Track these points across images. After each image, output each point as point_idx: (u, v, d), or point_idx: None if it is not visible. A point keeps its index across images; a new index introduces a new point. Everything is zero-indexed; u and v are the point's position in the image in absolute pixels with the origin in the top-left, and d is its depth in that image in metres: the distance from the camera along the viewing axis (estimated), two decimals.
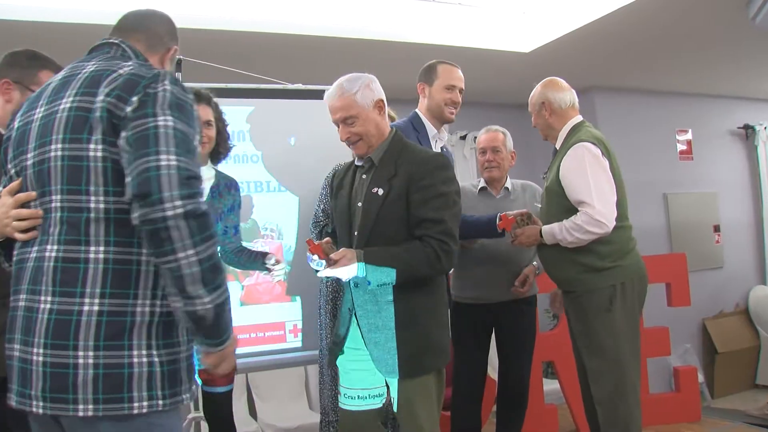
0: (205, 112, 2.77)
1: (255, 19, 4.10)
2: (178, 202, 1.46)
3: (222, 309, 1.55)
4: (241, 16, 4.07)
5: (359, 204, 2.47)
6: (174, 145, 1.51)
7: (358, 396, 2.54)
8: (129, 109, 1.53)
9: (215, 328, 1.56)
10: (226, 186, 2.92)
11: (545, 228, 3.03)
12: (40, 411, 1.51)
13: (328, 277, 2.53)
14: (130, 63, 1.65)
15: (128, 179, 1.49)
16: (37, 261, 1.59)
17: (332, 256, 2.30)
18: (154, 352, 1.55)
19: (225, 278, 1.57)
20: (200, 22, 3.89)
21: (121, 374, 1.50)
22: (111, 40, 1.78)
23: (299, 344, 3.74)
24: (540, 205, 3.34)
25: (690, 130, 7.13)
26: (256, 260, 2.95)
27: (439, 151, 3.05)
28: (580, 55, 5.33)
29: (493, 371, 3.92)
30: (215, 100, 2.91)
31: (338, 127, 2.48)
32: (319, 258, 2.36)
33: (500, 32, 4.97)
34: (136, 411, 1.50)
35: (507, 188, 3.74)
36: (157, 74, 1.59)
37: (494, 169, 3.68)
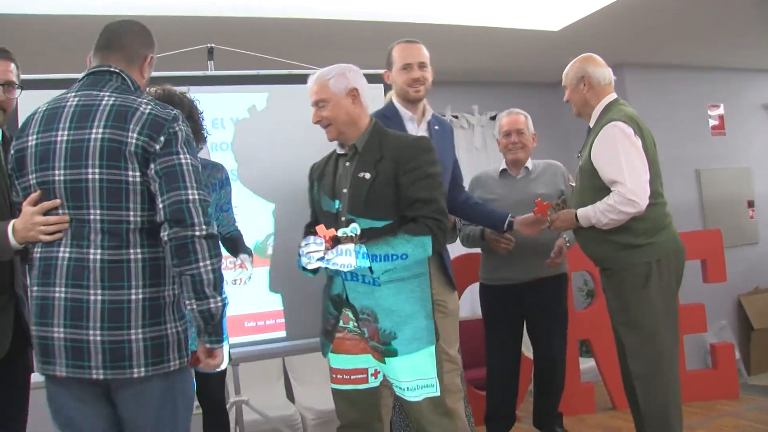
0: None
1: (286, 4, 4.12)
2: (203, 227, 1.93)
3: (224, 310, 1.98)
4: (270, 3, 4.10)
5: (344, 190, 2.51)
6: (194, 180, 1.97)
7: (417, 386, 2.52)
8: (158, 147, 1.94)
9: (219, 326, 1.98)
10: (214, 171, 3.02)
11: (580, 212, 3.03)
12: (101, 377, 1.91)
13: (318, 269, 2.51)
14: (143, 99, 2.02)
15: (161, 205, 1.92)
16: (76, 261, 1.94)
17: (340, 247, 2.35)
18: (178, 324, 2.02)
19: (223, 288, 1.98)
20: (233, 10, 3.92)
21: (161, 343, 1.96)
22: (111, 69, 2.09)
23: None
24: (573, 184, 3.32)
25: (722, 105, 7.05)
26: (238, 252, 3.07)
27: (423, 130, 3.04)
28: (610, 32, 5.29)
29: (528, 350, 3.95)
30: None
31: (315, 108, 2.57)
32: (326, 246, 2.37)
33: (529, 11, 4.95)
34: (172, 368, 1.97)
35: (527, 168, 3.76)
36: (176, 116, 2.01)
37: (519, 151, 3.69)
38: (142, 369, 1.92)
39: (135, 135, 1.93)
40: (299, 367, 5.04)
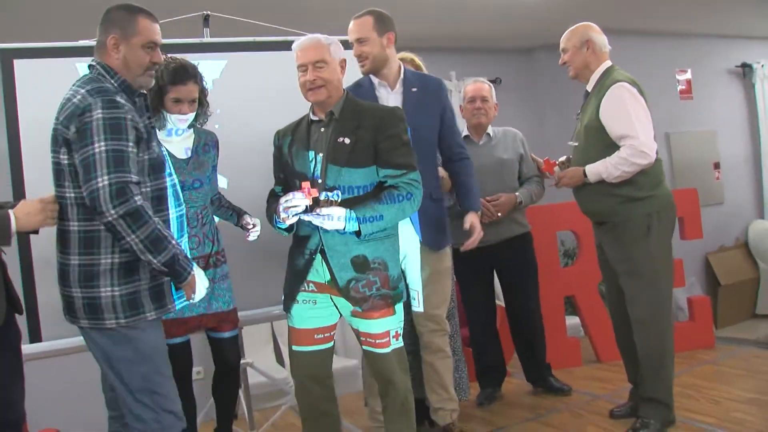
0: (191, 91, 2.88)
1: None
2: (112, 211, 2.13)
3: (172, 261, 2.24)
4: None
5: (321, 155, 2.62)
6: (107, 166, 2.14)
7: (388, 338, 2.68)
8: (72, 135, 2.19)
9: (173, 274, 2.28)
10: (208, 140, 3.06)
11: (589, 167, 3.17)
12: (69, 322, 2.32)
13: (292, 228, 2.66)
14: (84, 89, 2.23)
15: (84, 194, 2.17)
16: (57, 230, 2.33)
17: (326, 211, 2.48)
18: (116, 288, 2.26)
19: (168, 242, 2.22)
20: None
21: (94, 304, 2.25)
22: (91, 63, 2.36)
23: None
24: (574, 143, 3.42)
25: (689, 70, 7.25)
26: (231, 215, 3.15)
27: (398, 93, 3.14)
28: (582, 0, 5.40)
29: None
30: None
31: (303, 72, 2.64)
32: (309, 207, 2.51)
33: None
34: (108, 326, 2.25)
35: (488, 134, 3.99)
36: (88, 106, 2.17)
37: (482, 116, 3.93)
38: (84, 321, 2.27)
39: (58, 123, 2.23)
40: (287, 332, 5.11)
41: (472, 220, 3.20)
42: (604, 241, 3.31)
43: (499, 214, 3.78)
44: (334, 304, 2.71)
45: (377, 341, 2.64)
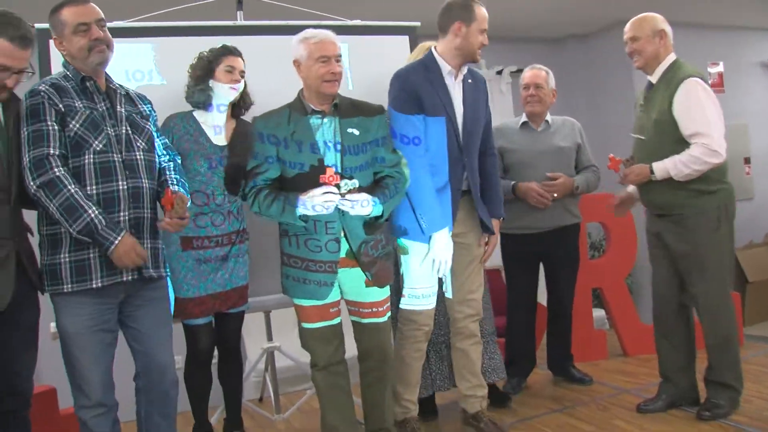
0: (240, 63, 3.06)
1: None
2: (32, 183, 2.36)
3: (90, 230, 2.36)
4: None
5: (332, 144, 2.78)
6: (27, 146, 2.39)
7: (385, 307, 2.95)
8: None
9: (96, 243, 2.39)
10: (246, 131, 3.07)
11: (657, 165, 3.18)
12: None
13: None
14: (40, 82, 2.53)
15: None
16: None
17: (356, 196, 2.71)
18: (47, 259, 2.47)
19: (84, 210, 2.35)
20: None
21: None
22: None
23: None
24: (641, 136, 3.40)
25: (721, 63, 7.13)
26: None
27: (458, 83, 3.10)
28: None
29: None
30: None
31: (325, 62, 2.75)
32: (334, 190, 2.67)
33: None
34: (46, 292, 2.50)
35: (547, 122, 3.96)
36: (25, 96, 2.46)
37: (536, 104, 3.89)
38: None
39: None
40: None
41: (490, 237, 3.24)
42: (668, 233, 3.32)
43: (555, 195, 3.76)
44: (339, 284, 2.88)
45: (379, 309, 2.90)
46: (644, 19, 3.28)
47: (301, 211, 2.68)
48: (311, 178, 2.71)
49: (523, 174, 3.78)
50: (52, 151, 2.37)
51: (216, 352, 3.18)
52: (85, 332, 2.44)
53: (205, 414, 3.17)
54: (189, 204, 2.66)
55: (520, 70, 6.18)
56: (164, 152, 2.79)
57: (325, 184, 2.67)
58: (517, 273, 3.89)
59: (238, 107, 3.10)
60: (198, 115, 3.04)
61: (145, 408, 2.66)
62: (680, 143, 3.14)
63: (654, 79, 3.28)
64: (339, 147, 2.77)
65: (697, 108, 3.10)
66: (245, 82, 3.09)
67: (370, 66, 3.64)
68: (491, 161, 3.30)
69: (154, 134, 2.72)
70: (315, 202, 2.65)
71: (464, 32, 3.02)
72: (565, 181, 3.79)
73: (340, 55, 2.80)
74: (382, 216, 2.80)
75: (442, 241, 2.99)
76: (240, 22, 3.62)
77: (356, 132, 2.80)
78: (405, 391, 3.20)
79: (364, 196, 2.73)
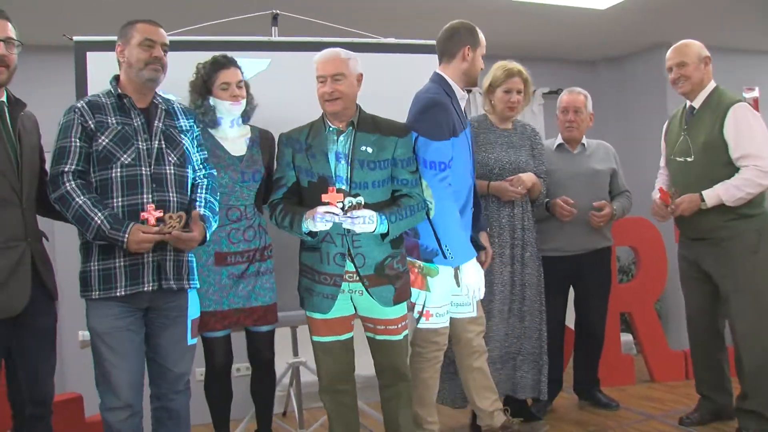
0: (236, 74, 3.03)
1: None
2: (51, 197, 2.53)
3: (101, 235, 2.45)
4: None
5: (344, 162, 2.80)
6: (51, 161, 2.57)
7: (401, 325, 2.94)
8: None
9: (110, 240, 2.47)
10: (261, 137, 3.12)
11: (708, 193, 3.21)
12: None
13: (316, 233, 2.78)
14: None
15: None
16: None
17: (357, 213, 2.68)
18: (80, 269, 2.60)
19: (91, 218, 2.45)
20: None
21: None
22: None
23: None
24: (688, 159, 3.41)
25: (757, 88, 7.05)
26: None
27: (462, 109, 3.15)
28: (653, 12, 5.30)
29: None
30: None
31: (322, 83, 2.81)
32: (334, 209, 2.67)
33: None
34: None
35: (583, 144, 3.96)
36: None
37: (574, 130, 3.90)
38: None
39: None
40: None
41: (486, 238, 3.26)
42: (706, 257, 3.34)
43: (601, 223, 3.79)
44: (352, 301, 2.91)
45: (393, 327, 2.90)
46: (690, 46, 3.36)
47: (307, 226, 2.73)
48: (321, 189, 2.73)
49: (558, 195, 3.75)
50: (66, 168, 2.51)
51: (242, 366, 3.18)
52: (113, 331, 2.53)
53: (226, 426, 3.16)
54: (215, 223, 2.77)
55: (552, 92, 6.21)
56: (201, 166, 2.83)
57: (328, 202, 2.68)
58: (548, 295, 3.86)
59: (245, 114, 3.10)
60: (212, 131, 3.05)
61: (157, 422, 2.75)
62: (728, 166, 3.20)
63: (696, 104, 3.34)
64: (349, 160, 2.81)
65: (747, 131, 3.16)
66: (247, 90, 3.08)
67: (400, 84, 3.62)
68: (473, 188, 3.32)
69: (193, 148, 2.78)
70: (317, 220, 2.67)
71: (471, 57, 3.08)
72: (609, 213, 3.79)
73: (342, 74, 2.80)
74: (388, 233, 2.77)
75: (472, 270, 2.99)
76: (275, 38, 3.65)
77: (369, 150, 2.82)
78: (426, 413, 3.19)
79: (368, 212, 2.71)
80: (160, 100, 2.76)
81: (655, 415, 3.86)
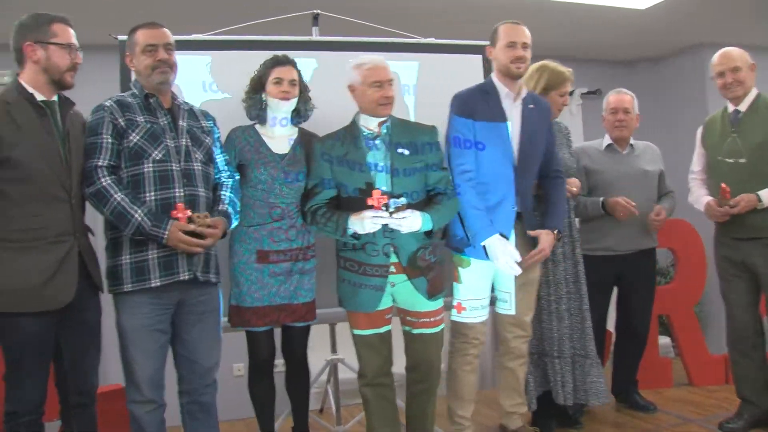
0: (290, 72, 3.05)
1: None
2: (86, 191, 2.58)
3: (140, 231, 2.54)
4: None
5: (383, 164, 2.90)
6: (84, 157, 2.60)
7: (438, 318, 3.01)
8: None
9: (150, 237, 2.55)
10: (306, 141, 3.13)
11: (764, 192, 3.29)
12: None
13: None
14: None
15: None
16: None
17: (404, 213, 2.77)
18: (109, 263, 2.66)
19: (131, 215, 2.53)
20: None
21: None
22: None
23: None
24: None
25: None
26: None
27: (517, 106, 3.18)
28: (694, 12, 5.25)
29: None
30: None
31: (379, 87, 2.90)
32: (375, 210, 2.77)
33: None
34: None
35: (632, 145, 3.97)
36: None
37: (624, 129, 3.91)
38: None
39: None
40: None
41: (545, 239, 3.18)
42: (755, 257, 3.39)
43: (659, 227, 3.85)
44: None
45: (431, 319, 2.96)
46: (741, 52, 3.43)
47: (353, 229, 2.81)
48: (365, 194, 2.82)
49: (610, 196, 3.76)
50: (100, 163, 2.58)
51: (279, 362, 3.21)
52: (140, 330, 2.61)
53: (271, 423, 3.18)
54: (235, 221, 2.88)
55: (590, 92, 6.17)
56: (224, 168, 2.92)
57: (372, 206, 2.77)
58: (592, 294, 3.79)
59: (297, 116, 3.12)
60: (258, 127, 3.09)
61: (189, 416, 2.82)
62: None
63: (743, 107, 3.42)
64: (389, 169, 2.90)
65: None
66: (302, 90, 3.11)
67: (440, 84, 3.62)
68: (555, 183, 3.33)
69: (214, 149, 2.89)
70: (365, 225, 2.77)
71: (495, 54, 3.19)
72: (665, 217, 3.84)
73: (392, 80, 2.95)
74: (432, 232, 2.91)
75: (496, 248, 3.01)
76: (315, 37, 3.68)
77: (406, 152, 2.94)
78: (458, 407, 3.25)
79: (413, 212, 2.81)
80: (182, 101, 2.87)
81: (694, 419, 3.82)
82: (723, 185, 3.37)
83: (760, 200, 3.29)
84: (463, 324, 3.19)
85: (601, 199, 3.76)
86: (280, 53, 3.09)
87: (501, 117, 3.13)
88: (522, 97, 3.20)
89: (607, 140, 3.96)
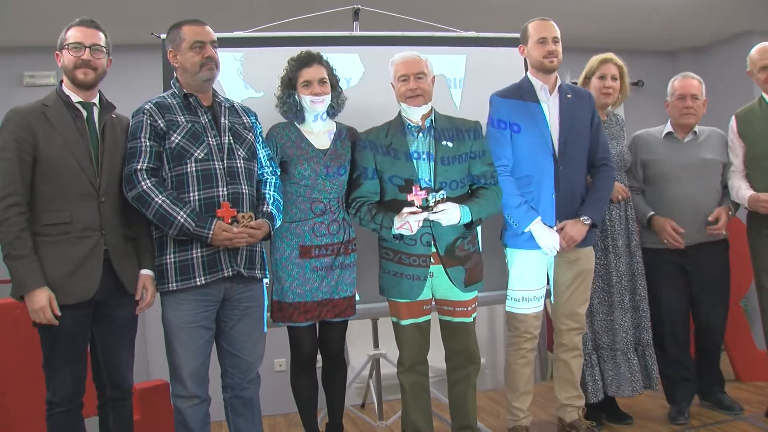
0: (318, 72, 3.03)
1: None
2: (127, 195, 2.62)
3: (184, 232, 2.58)
4: None
5: (425, 157, 2.97)
6: (125, 161, 2.65)
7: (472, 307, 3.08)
8: None
9: (194, 237, 2.60)
10: (346, 134, 3.15)
11: None
12: None
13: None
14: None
15: None
16: None
17: (442, 206, 2.83)
18: (156, 262, 2.69)
19: (174, 217, 2.57)
20: None
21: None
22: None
23: None
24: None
25: None
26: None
27: (555, 98, 3.25)
28: (736, 0, 5.15)
29: None
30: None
31: (405, 81, 2.98)
32: (415, 205, 2.83)
33: None
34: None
35: (695, 132, 3.80)
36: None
37: (692, 116, 3.75)
38: None
39: None
40: None
41: (571, 226, 3.18)
42: None
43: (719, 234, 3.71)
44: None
45: (468, 308, 3.04)
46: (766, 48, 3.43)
47: (396, 230, 2.87)
48: (406, 189, 2.90)
49: (665, 188, 3.68)
50: (139, 166, 2.62)
51: (320, 357, 3.23)
52: (185, 327, 2.66)
53: (314, 418, 3.19)
54: (279, 221, 2.90)
55: (633, 84, 6.07)
56: (267, 163, 2.94)
57: (412, 202, 2.83)
58: (662, 287, 3.73)
59: (331, 110, 3.12)
60: (297, 124, 3.10)
61: (232, 410, 2.86)
62: None
63: None
64: (433, 158, 2.97)
65: None
66: (333, 85, 3.10)
67: (486, 77, 3.64)
68: (602, 172, 3.32)
69: (257, 145, 2.90)
70: (406, 228, 2.84)
71: (527, 51, 3.28)
72: (725, 221, 3.67)
73: (423, 73, 2.99)
74: (472, 224, 2.96)
75: (539, 232, 3.13)
76: (356, 32, 3.68)
77: (450, 144, 3.00)
78: (513, 398, 3.32)
79: (452, 205, 2.87)
80: (222, 98, 2.89)
81: (743, 416, 3.74)
82: None
83: None
84: (514, 316, 3.26)
85: (650, 214, 3.66)
86: (304, 50, 3.09)
87: (535, 100, 3.21)
88: (558, 86, 3.27)
89: (668, 128, 3.79)
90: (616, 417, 3.70)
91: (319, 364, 3.19)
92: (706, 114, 3.76)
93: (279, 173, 2.99)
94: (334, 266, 3.02)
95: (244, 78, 3.47)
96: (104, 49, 2.68)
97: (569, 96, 3.27)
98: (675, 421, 3.69)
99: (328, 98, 3.05)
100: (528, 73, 3.31)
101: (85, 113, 2.64)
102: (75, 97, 2.64)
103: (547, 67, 3.20)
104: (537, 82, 3.25)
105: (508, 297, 3.27)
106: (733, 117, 3.73)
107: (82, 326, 2.58)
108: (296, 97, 3.04)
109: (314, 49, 3.10)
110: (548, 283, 3.31)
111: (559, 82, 3.29)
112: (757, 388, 4.23)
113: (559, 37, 3.23)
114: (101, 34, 2.68)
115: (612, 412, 3.71)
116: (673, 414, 3.73)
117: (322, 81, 3.03)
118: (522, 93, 3.23)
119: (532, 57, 3.24)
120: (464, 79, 3.70)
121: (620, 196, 3.54)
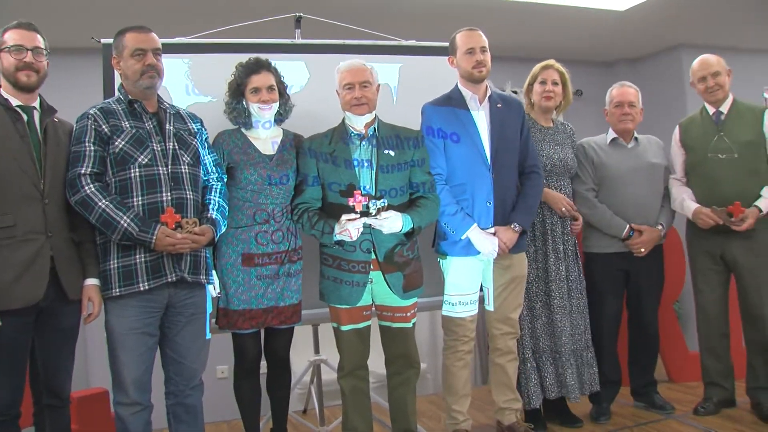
0: (267, 78, 3.05)
1: None
2: (71, 199, 2.61)
3: (127, 236, 2.56)
4: None
5: (367, 165, 3.01)
6: (68, 166, 2.63)
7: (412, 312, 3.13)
8: None
9: (138, 242, 2.58)
10: (292, 141, 3.17)
11: (762, 202, 3.55)
12: None
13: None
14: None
15: None
16: None
17: (385, 214, 2.87)
18: (100, 268, 2.67)
19: (117, 222, 2.55)
20: None
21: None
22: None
23: None
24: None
25: None
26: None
27: (485, 108, 3.30)
28: (673, 14, 5.31)
29: None
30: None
31: (350, 89, 3.02)
32: (355, 211, 2.86)
33: None
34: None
35: (636, 138, 3.94)
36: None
37: (629, 122, 3.88)
38: None
39: None
40: None
41: (502, 233, 3.23)
42: (735, 248, 3.64)
43: (642, 250, 3.78)
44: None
45: (407, 314, 3.08)
46: (719, 58, 3.68)
47: (336, 236, 2.90)
48: (347, 195, 2.92)
49: (616, 191, 3.79)
50: (83, 171, 2.61)
51: (264, 363, 3.23)
52: (128, 333, 2.63)
53: (257, 424, 3.19)
54: (224, 227, 2.90)
55: (574, 93, 6.21)
56: (213, 169, 2.94)
57: (353, 207, 2.86)
58: (604, 292, 3.84)
59: (279, 116, 3.14)
60: (244, 130, 3.11)
61: (174, 418, 2.84)
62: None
63: (724, 109, 3.69)
64: (374, 165, 3.00)
65: None
66: (281, 93, 3.12)
67: (421, 86, 3.69)
68: (531, 179, 3.39)
69: (203, 151, 2.91)
70: (346, 234, 2.86)
71: (456, 62, 3.32)
72: (649, 238, 3.78)
73: (368, 81, 3.03)
74: (413, 233, 3.00)
75: (477, 237, 3.18)
76: (298, 40, 3.70)
77: (392, 153, 3.05)
78: (453, 401, 3.34)
79: (395, 214, 2.92)
80: (167, 105, 2.89)
81: (675, 416, 3.86)
82: (737, 203, 3.52)
83: (760, 211, 3.53)
84: (451, 320, 3.30)
85: (628, 226, 3.74)
86: (253, 57, 3.10)
87: (466, 109, 3.27)
88: (488, 96, 3.32)
89: (611, 134, 3.92)
90: (568, 420, 3.74)
91: (263, 370, 3.19)
92: (641, 122, 3.89)
93: (225, 179, 3.00)
94: (280, 274, 3.03)
95: (193, 83, 3.46)
96: (44, 52, 2.67)
97: (499, 105, 3.33)
98: (597, 420, 3.81)
99: (276, 105, 3.07)
100: (458, 84, 3.35)
101: (25, 117, 2.61)
102: (14, 101, 2.61)
103: (476, 77, 3.25)
104: (467, 92, 3.30)
105: (444, 302, 3.32)
106: (678, 126, 3.88)
107: (24, 334, 2.54)
108: (244, 103, 3.05)
109: (263, 56, 3.12)
110: (481, 290, 3.36)
111: (489, 92, 3.34)
112: (688, 388, 4.37)
113: (487, 46, 3.27)
114: (40, 37, 2.67)
115: (564, 414, 3.75)
116: (594, 414, 3.85)
117: (270, 88, 3.04)
118: (453, 103, 3.28)
119: (461, 68, 3.29)
120: (398, 88, 3.76)
121: (563, 208, 3.59)
